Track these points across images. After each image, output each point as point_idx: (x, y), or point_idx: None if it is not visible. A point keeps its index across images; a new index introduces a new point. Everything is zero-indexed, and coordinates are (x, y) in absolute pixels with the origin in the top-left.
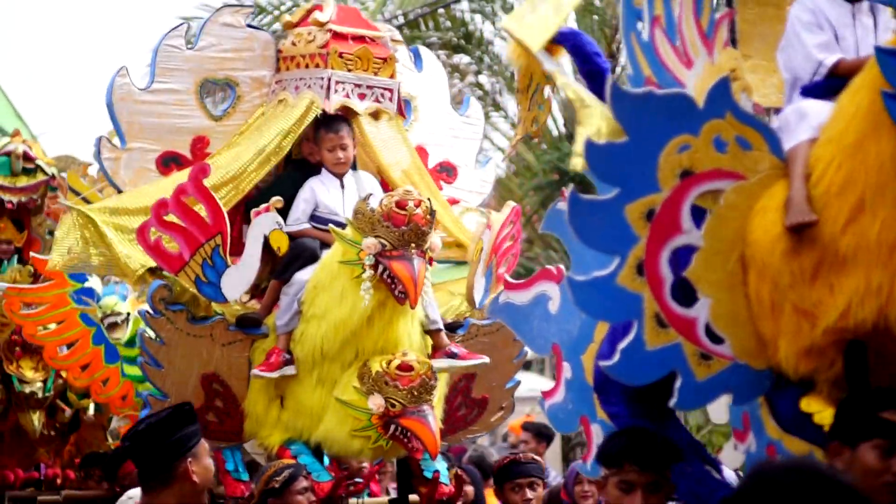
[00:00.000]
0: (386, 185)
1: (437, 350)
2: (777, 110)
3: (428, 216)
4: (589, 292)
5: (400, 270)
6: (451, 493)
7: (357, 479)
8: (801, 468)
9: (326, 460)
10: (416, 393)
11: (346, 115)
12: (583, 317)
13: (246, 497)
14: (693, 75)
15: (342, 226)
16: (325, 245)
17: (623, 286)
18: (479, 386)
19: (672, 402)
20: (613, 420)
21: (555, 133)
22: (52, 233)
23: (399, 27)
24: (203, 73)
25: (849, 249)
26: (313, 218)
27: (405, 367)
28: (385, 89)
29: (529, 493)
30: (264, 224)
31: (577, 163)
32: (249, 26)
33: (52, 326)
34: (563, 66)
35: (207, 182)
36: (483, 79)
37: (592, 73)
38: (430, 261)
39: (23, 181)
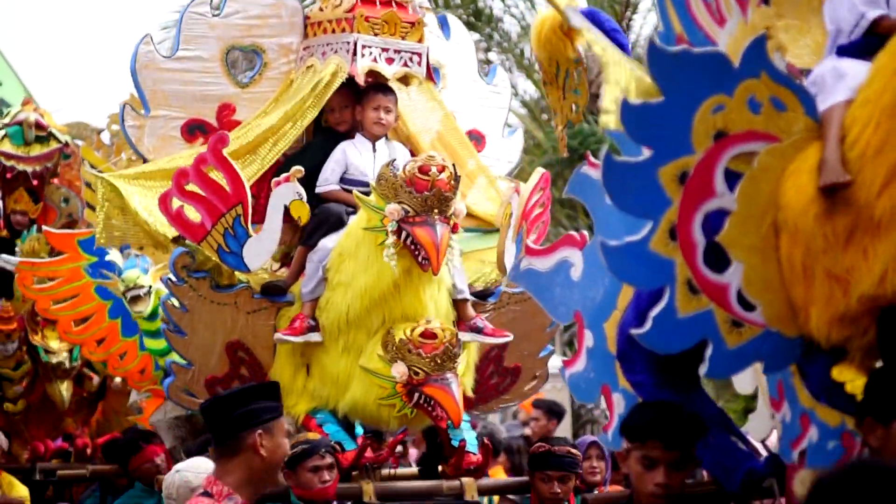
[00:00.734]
0: (417, 154)
1: (462, 321)
2: (810, 72)
3: (452, 182)
4: (622, 257)
5: (422, 236)
6: (478, 462)
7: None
8: (865, 470)
9: (359, 429)
10: (439, 360)
11: (389, 86)
12: (606, 283)
13: None
14: (726, 34)
15: (368, 191)
16: (353, 210)
17: (656, 251)
18: (512, 354)
19: (702, 371)
20: (637, 389)
21: None
22: (66, 201)
23: None
24: (229, 41)
25: (885, 214)
26: (343, 180)
27: (428, 335)
28: (413, 53)
29: (558, 487)
30: (284, 194)
31: (609, 120)
32: None
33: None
34: (588, 25)
35: (233, 149)
36: (493, 56)
37: None
38: (456, 227)
39: (36, 150)
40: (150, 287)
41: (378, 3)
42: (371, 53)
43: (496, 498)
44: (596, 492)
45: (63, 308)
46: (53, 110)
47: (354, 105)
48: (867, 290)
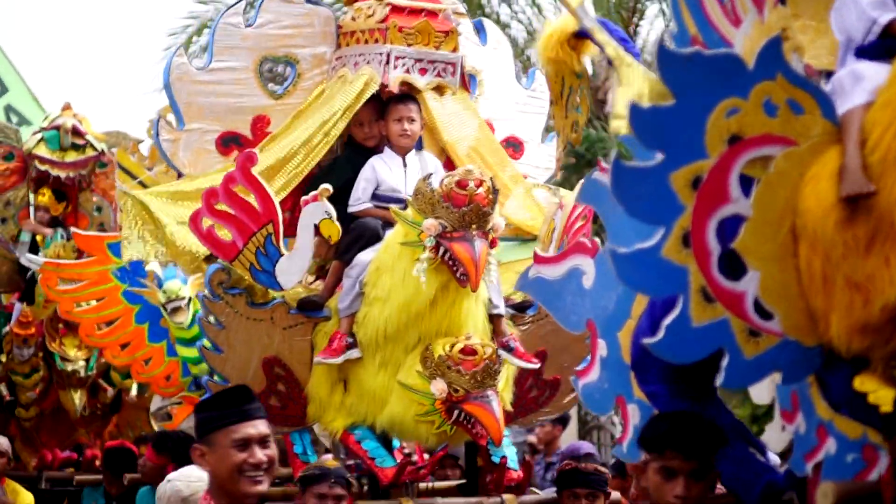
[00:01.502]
0: (451, 165)
1: (495, 337)
2: (829, 73)
3: (490, 196)
4: (632, 265)
5: (460, 252)
6: (519, 478)
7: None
8: None
9: (396, 443)
10: (479, 378)
11: (410, 94)
12: (619, 292)
13: None
14: (741, 34)
15: (404, 205)
16: (388, 224)
17: (668, 258)
18: (551, 367)
19: (718, 382)
20: (652, 400)
21: None
22: (99, 209)
23: None
24: (262, 51)
25: None
26: (375, 197)
27: (468, 351)
28: (447, 63)
29: None
30: (314, 213)
31: (620, 125)
32: (309, 2)
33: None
34: (599, 27)
35: (263, 164)
36: None
37: None
38: (494, 242)
39: (71, 156)
40: (190, 298)
41: (411, 12)
42: (404, 64)
43: None
44: None
45: (87, 311)
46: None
47: (379, 120)
48: (890, 300)
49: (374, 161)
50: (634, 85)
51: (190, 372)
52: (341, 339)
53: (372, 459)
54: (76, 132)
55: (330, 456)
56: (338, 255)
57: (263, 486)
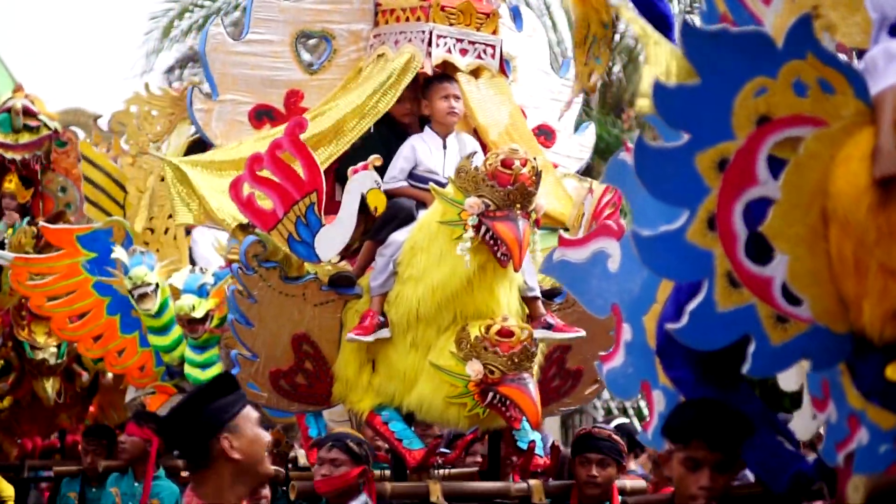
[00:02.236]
0: (485, 148)
1: (532, 319)
2: (861, 52)
3: (534, 176)
4: (656, 248)
5: (504, 232)
6: (546, 464)
7: (443, 450)
8: None
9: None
10: (516, 360)
11: (448, 74)
12: (644, 275)
13: None
14: (772, 12)
15: (442, 185)
16: (422, 205)
17: (693, 242)
18: (574, 357)
19: (745, 369)
20: (678, 386)
21: None
22: (63, 189)
23: None
24: (299, 25)
25: None
26: (411, 176)
27: (505, 333)
28: (487, 45)
29: (596, 470)
30: (362, 182)
31: (644, 105)
32: None
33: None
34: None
35: (305, 137)
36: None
37: (655, 20)
38: (537, 223)
39: (25, 138)
40: (157, 284)
41: None
42: (446, 44)
43: None
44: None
45: (58, 304)
46: (46, 98)
47: (417, 98)
48: None
49: (413, 140)
50: (661, 63)
51: (163, 361)
52: (373, 318)
53: (399, 441)
54: (28, 112)
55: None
56: (370, 234)
57: None
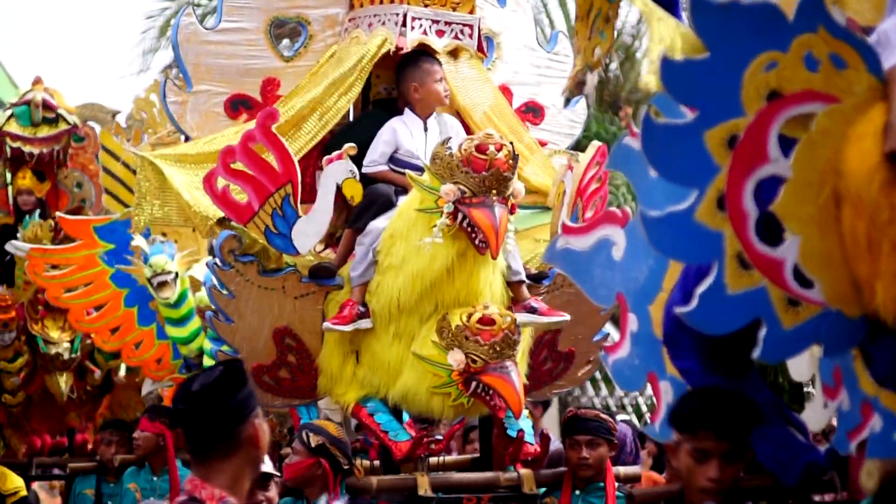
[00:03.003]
0: (468, 129)
1: (517, 303)
2: (870, 30)
3: (510, 161)
4: (664, 230)
5: (480, 219)
6: (536, 453)
7: (437, 438)
8: None
9: (405, 417)
10: (498, 348)
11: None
12: (650, 263)
13: None
14: None
15: (422, 171)
16: (402, 191)
17: (702, 222)
18: (566, 339)
19: (756, 354)
20: (685, 376)
21: None
22: (79, 185)
23: None
24: (273, 12)
25: None
26: (392, 160)
27: (487, 321)
28: (465, 25)
29: (586, 452)
30: (337, 172)
31: (650, 81)
32: None
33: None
34: None
35: (276, 125)
36: None
37: None
38: (514, 208)
39: (44, 131)
40: (177, 273)
41: None
42: (421, 26)
43: None
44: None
45: (75, 296)
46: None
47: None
48: None
49: (394, 123)
50: (665, 39)
51: (180, 354)
52: (353, 308)
53: (385, 433)
54: (47, 106)
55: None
56: (349, 223)
57: None
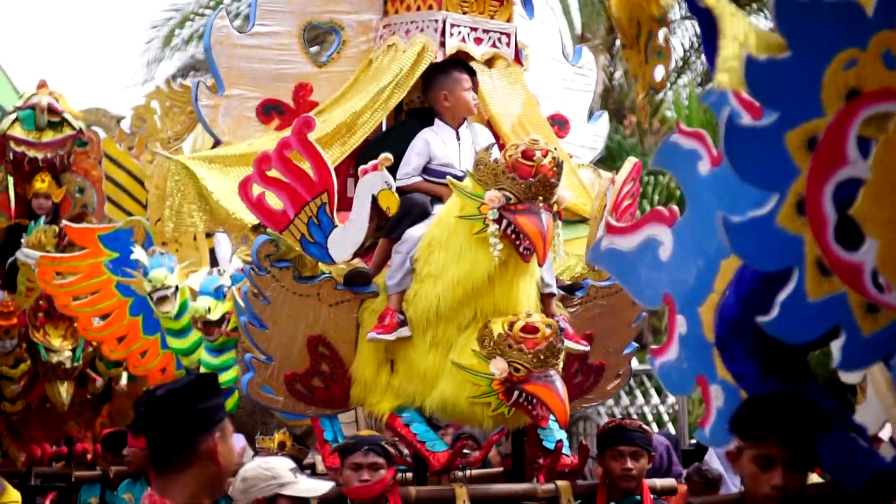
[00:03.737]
0: (496, 139)
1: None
2: None
3: (556, 167)
4: (747, 235)
5: (527, 225)
6: (573, 464)
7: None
8: None
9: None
10: (542, 357)
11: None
12: (699, 264)
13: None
14: None
15: (459, 178)
16: (437, 200)
17: (783, 227)
18: (597, 352)
19: (835, 363)
20: (739, 381)
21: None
22: (81, 191)
23: None
24: (307, 16)
25: None
26: (426, 171)
27: (530, 329)
28: (502, 33)
29: (630, 463)
30: (372, 183)
31: (723, 79)
32: None
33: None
34: None
35: (314, 136)
36: None
37: None
38: (559, 215)
39: (48, 136)
40: (177, 287)
41: None
42: (460, 33)
43: None
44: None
45: (83, 304)
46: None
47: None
48: None
49: (426, 134)
50: (739, 36)
51: (182, 365)
52: (393, 316)
53: (422, 443)
54: (52, 110)
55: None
56: (385, 232)
57: None
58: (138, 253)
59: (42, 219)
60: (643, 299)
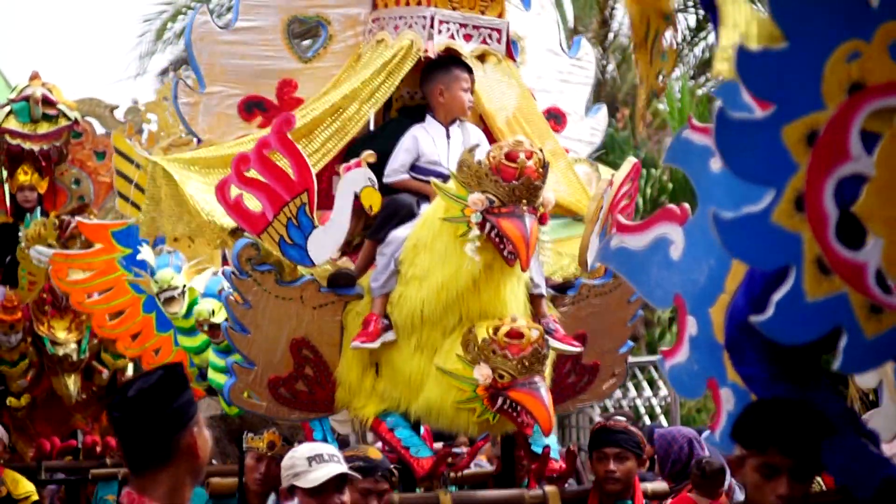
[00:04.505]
0: (489, 135)
1: (535, 318)
2: None
3: (540, 169)
4: (739, 232)
5: (510, 229)
6: (561, 469)
7: (456, 451)
8: None
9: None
10: (527, 363)
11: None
12: (711, 263)
13: None
14: None
15: (445, 179)
16: (424, 199)
17: (779, 224)
18: (591, 351)
19: (836, 365)
20: (749, 384)
21: None
22: (77, 182)
23: None
24: (291, 11)
25: None
26: (414, 168)
27: (515, 335)
28: (493, 29)
29: (613, 465)
30: (355, 181)
31: (723, 69)
32: None
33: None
34: None
35: (294, 130)
36: None
37: None
38: (544, 218)
39: (44, 128)
40: (184, 286)
41: None
42: (448, 29)
43: None
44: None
45: (97, 301)
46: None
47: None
48: None
49: (415, 131)
50: (740, 25)
51: (194, 363)
52: (377, 322)
53: (406, 449)
54: (47, 102)
55: (377, 445)
56: (370, 233)
57: None
58: (145, 253)
59: (38, 211)
60: (654, 299)
